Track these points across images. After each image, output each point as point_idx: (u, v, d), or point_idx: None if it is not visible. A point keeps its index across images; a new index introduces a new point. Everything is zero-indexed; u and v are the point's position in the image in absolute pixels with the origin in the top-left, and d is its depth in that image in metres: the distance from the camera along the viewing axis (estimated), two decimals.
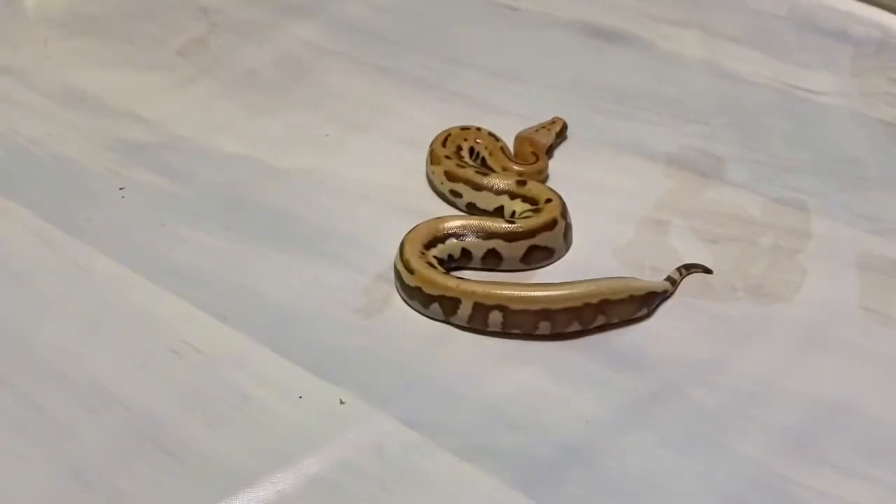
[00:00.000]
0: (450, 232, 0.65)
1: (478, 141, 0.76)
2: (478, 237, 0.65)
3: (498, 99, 0.86)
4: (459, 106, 0.85)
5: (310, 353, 0.59)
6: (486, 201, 0.70)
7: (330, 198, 0.74)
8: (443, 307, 0.61)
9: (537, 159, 0.75)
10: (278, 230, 0.70)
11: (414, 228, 0.65)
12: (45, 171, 0.78)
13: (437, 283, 0.61)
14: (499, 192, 0.70)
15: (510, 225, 0.66)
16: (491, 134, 0.77)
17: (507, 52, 0.94)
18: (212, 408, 0.55)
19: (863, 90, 0.86)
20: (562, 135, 0.79)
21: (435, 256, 0.64)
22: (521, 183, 0.70)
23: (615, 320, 0.61)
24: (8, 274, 0.67)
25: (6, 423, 0.55)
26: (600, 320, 0.60)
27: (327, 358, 0.59)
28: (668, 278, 0.64)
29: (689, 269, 0.65)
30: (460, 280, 0.61)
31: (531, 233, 0.65)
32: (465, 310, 0.60)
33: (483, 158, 0.76)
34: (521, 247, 0.65)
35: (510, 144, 0.77)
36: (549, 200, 0.68)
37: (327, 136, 0.82)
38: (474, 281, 0.61)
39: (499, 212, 0.70)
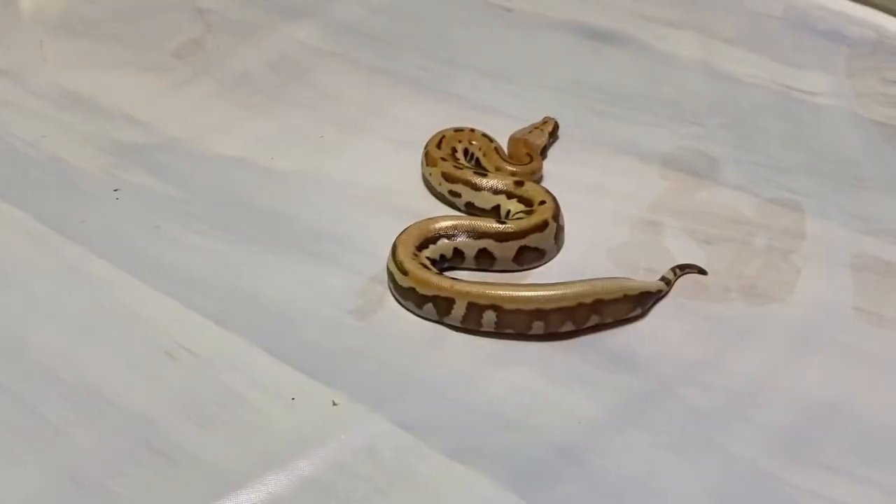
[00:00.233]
0: (441, 232, 0.66)
1: (472, 142, 0.77)
2: (469, 237, 0.66)
3: (493, 100, 0.86)
4: (455, 107, 0.85)
5: (303, 355, 0.59)
6: (484, 201, 0.71)
7: (324, 199, 0.74)
8: (437, 307, 0.61)
9: (531, 160, 0.75)
10: (273, 232, 0.70)
11: (405, 230, 0.65)
12: (39, 172, 0.78)
13: (431, 283, 0.61)
14: (496, 192, 0.70)
15: (501, 225, 0.66)
16: (485, 135, 0.77)
17: (503, 54, 0.94)
18: (205, 409, 0.55)
19: (857, 91, 0.86)
20: (554, 135, 0.79)
21: (428, 257, 0.64)
22: (519, 184, 0.70)
23: (609, 320, 0.61)
24: (1, 276, 0.66)
25: None
26: (594, 320, 0.60)
27: (320, 359, 0.59)
28: (663, 278, 0.64)
29: (683, 269, 0.65)
30: (454, 280, 0.61)
31: (522, 234, 0.65)
32: (458, 310, 0.60)
33: (477, 159, 0.76)
34: (512, 247, 0.65)
35: (504, 145, 0.77)
36: (542, 202, 0.68)
37: (322, 137, 0.82)
38: (468, 281, 0.61)
39: (495, 211, 0.70)
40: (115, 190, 0.75)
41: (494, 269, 0.66)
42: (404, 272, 0.62)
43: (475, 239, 0.66)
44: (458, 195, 0.71)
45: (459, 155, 0.76)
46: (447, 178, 0.72)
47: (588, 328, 0.61)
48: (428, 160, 0.74)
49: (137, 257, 0.68)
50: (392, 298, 0.64)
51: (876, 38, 0.93)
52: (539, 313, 0.59)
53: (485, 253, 0.66)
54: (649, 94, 0.87)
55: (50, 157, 0.80)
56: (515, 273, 0.66)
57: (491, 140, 0.77)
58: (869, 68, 0.90)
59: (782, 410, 0.55)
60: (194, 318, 0.62)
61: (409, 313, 0.62)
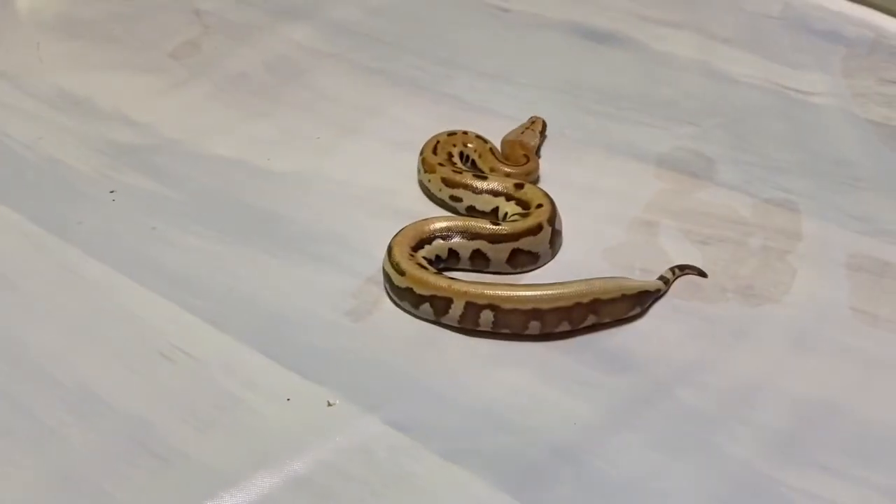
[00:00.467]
0: (436, 233, 0.66)
1: (467, 145, 0.77)
2: (463, 238, 0.66)
3: (490, 100, 0.86)
4: (452, 108, 0.85)
5: (298, 356, 0.59)
6: (484, 203, 0.70)
7: (321, 200, 0.74)
8: (434, 307, 0.61)
9: (528, 160, 0.75)
10: (269, 233, 0.70)
11: (400, 231, 0.65)
12: (36, 174, 0.78)
13: (428, 283, 0.61)
14: (496, 195, 0.70)
15: (494, 227, 0.66)
16: (478, 136, 0.77)
17: (500, 54, 0.94)
18: (200, 411, 0.55)
19: (854, 91, 0.86)
20: (543, 133, 0.79)
21: (424, 258, 0.64)
22: (519, 186, 0.70)
23: (607, 320, 0.61)
24: None
25: None
26: (591, 320, 0.60)
27: (316, 360, 0.59)
28: (662, 277, 0.64)
29: (683, 269, 0.65)
30: (452, 280, 0.61)
31: (515, 236, 0.65)
32: (456, 309, 0.60)
33: (473, 161, 0.76)
34: (505, 249, 0.65)
35: (498, 145, 0.77)
36: (540, 205, 0.68)
37: (319, 138, 0.82)
38: (465, 281, 0.61)
39: (494, 213, 0.70)
40: (112, 191, 0.75)
41: (489, 270, 0.66)
42: (401, 273, 0.62)
43: (469, 240, 0.66)
44: (459, 200, 0.71)
45: (456, 159, 0.75)
46: (447, 183, 0.72)
47: (585, 328, 0.61)
48: (426, 167, 0.74)
49: (133, 259, 0.68)
50: (388, 299, 0.63)
51: (873, 38, 0.93)
52: (536, 313, 0.59)
53: (479, 254, 0.66)
54: (646, 95, 0.87)
55: (46, 158, 0.80)
56: (512, 275, 0.66)
57: (485, 141, 0.77)
58: (866, 68, 0.89)
59: (778, 411, 0.55)
60: (190, 320, 0.62)
61: (404, 314, 0.62)
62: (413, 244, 0.64)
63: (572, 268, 0.66)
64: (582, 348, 0.60)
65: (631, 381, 0.57)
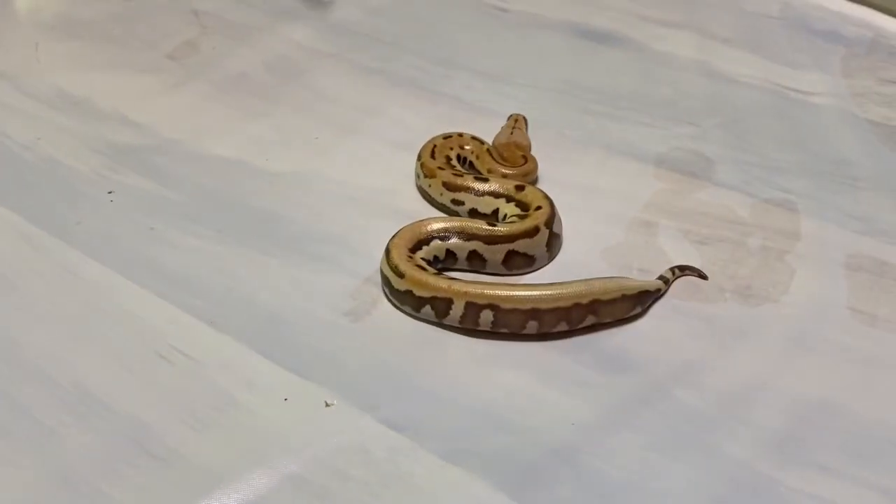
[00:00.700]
0: (433, 234, 0.65)
1: (464, 147, 0.76)
2: (460, 238, 0.65)
3: (489, 100, 0.86)
4: (451, 108, 0.85)
5: (297, 356, 0.59)
6: (486, 205, 0.70)
7: (319, 201, 0.74)
8: (435, 309, 0.60)
9: (526, 161, 0.74)
10: (267, 233, 0.70)
11: (397, 233, 0.65)
12: (34, 174, 0.78)
13: (428, 284, 0.60)
14: (497, 196, 0.70)
15: (490, 228, 0.65)
16: (475, 137, 0.77)
17: (499, 54, 0.94)
18: (198, 411, 0.55)
19: (854, 91, 0.86)
20: (527, 129, 0.79)
21: (422, 258, 0.64)
22: (520, 188, 0.70)
23: (607, 320, 0.61)
24: None
25: None
26: (590, 320, 0.60)
27: (314, 360, 0.59)
28: (661, 277, 0.63)
29: (683, 270, 0.65)
30: (451, 280, 0.61)
31: (510, 238, 0.65)
32: (457, 310, 0.60)
33: (470, 163, 0.76)
34: (501, 251, 0.65)
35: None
36: (538, 208, 0.67)
37: (318, 138, 0.82)
38: (465, 281, 0.61)
39: (495, 214, 0.70)
40: (110, 192, 0.75)
41: (486, 271, 0.66)
42: (400, 275, 0.62)
43: (465, 241, 0.65)
44: (461, 203, 0.71)
45: (454, 162, 0.75)
46: (449, 187, 0.71)
47: (583, 328, 0.60)
48: (425, 172, 0.73)
49: (132, 259, 0.67)
50: (386, 300, 0.63)
51: (872, 38, 0.93)
52: (535, 313, 0.59)
53: (475, 255, 0.66)
54: (645, 95, 0.87)
55: (45, 158, 0.80)
56: (508, 276, 0.66)
57: (482, 142, 0.76)
58: (865, 68, 0.89)
59: (777, 411, 0.55)
60: (188, 320, 0.62)
61: (402, 315, 0.62)
62: (411, 246, 0.64)
63: (571, 268, 0.66)
64: (581, 349, 0.60)
65: (629, 382, 0.57)
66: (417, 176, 0.74)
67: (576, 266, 0.66)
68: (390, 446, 0.53)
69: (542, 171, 0.75)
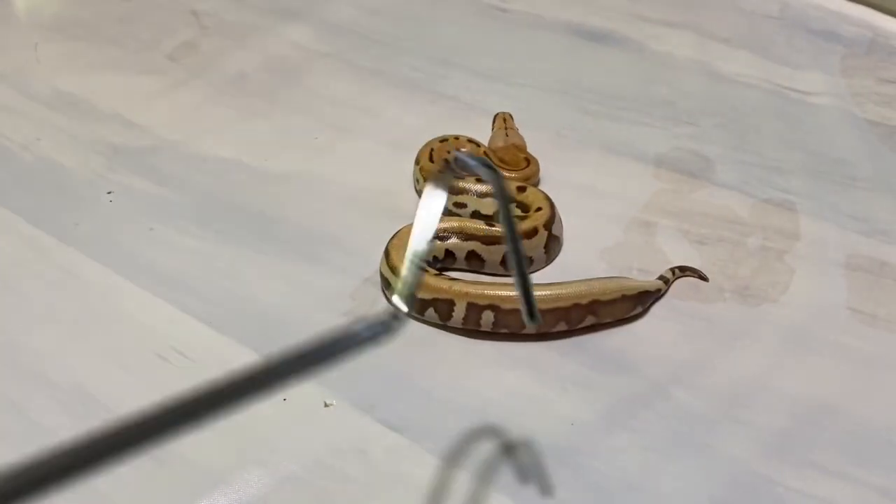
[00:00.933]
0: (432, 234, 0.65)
1: (461, 150, 0.76)
2: (458, 238, 0.65)
3: (488, 100, 0.86)
4: (449, 108, 0.85)
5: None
6: (488, 207, 0.70)
7: (318, 201, 0.74)
8: (438, 311, 0.60)
9: (528, 163, 0.74)
10: (266, 234, 0.70)
11: (396, 234, 0.65)
12: (33, 175, 0.78)
13: (429, 286, 0.60)
14: None
15: (489, 228, 0.65)
16: (471, 140, 0.76)
17: (497, 54, 0.94)
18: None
19: (853, 90, 0.86)
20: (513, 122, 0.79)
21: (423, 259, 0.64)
22: (521, 189, 0.70)
23: (607, 320, 0.61)
24: None
25: None
26: (589, 320, 0.60)
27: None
28: (662, 277, 0.63)
29: (683, 271, 0.65)
30: (452, 281, 0.61)
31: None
32: (459, 311, 0.60)
33: None
34: (499, 251, 0.65)
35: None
36: (539, 209, 0.67)
37: (316, 139, 0.82)
38: (465, 281, 0.61)
39: (496, 215, 0.70)
40: (109, 192, 0.75)
41: (485, 271, 0.66)
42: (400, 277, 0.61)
43: (464, 241, 0.65)
44: (463, 206, 0.71)
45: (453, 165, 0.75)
46: (451, 190, 0.71)
47: (582, 329, 0.60)
48: (426, 176, 0.72)
49: (130, 260, 0.67)
50: (385, 301, 0.63)
51: (872, 38, 0.93)
52: None
53: (474, 255, 0.65)
54: (644, 95, 0.87)
55: (43, 159, 0.80)
56: (508, 276, 0.66)
57: (478, 145, 0.76)
58: (864, 68, 0.89)
59: (775, 411, 0.55)
60: (187, 321, 0.62)
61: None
62: None
63: (569, 268, 0.66)
64: (579, 349, 0.60)
65: (628, 382, 0.57)
66: (417, 181, 0.74)
67: (575, 266, 0.66)
68: (389, 447, 0.53)
69: (541, 171, 0.75)
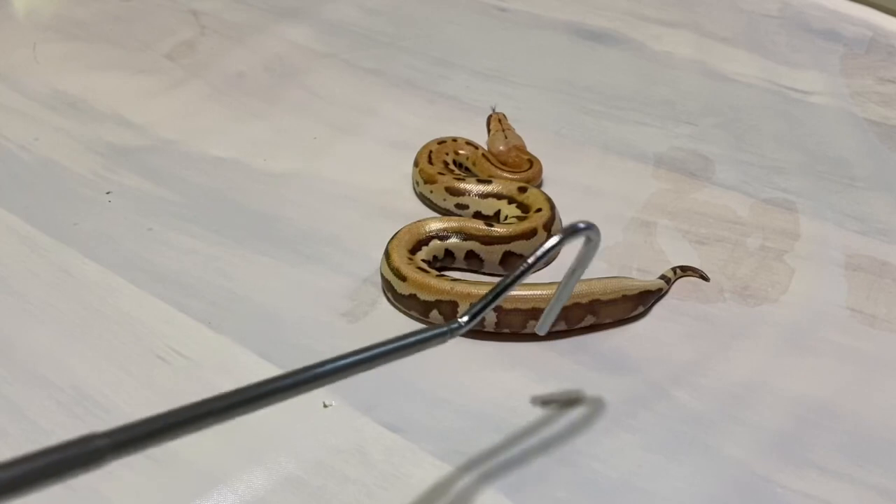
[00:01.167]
0: (432, 234, 0.65)
1: (459, 152, 0.76)
2: (457, 238, 0.65)
3: (487, 100, 0.85)
4: (448, 108, 0.85)
5: (295, 357, 0.59)
6: (488, 207, 0.70)
7: (317, 201, 0.74)
8: (443, 313, 0.60)
9: (531, 165, 0.74)
10: (265, 234, 0.70)
11: (396, 235, 0.65)
12: (31, 175, 0.78)
13: (432, 287, 0.60)
14: (500, 198, 0.70)
15: (488, 228, 0.65)
16: (469, 142, 0.76)
17: (497, 54, 0.94)
18: None
19: (853, 90, 0.86)
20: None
21: (423, 260, 0.64)
22: (522, 189, 0.70)
23: (608, 320, 0.60)
24: None
25: None
26: (589, 320, 0.60)
27: (312, 361, 0.58)
28: (663, 277, 0.63)
29: (685, 270, 0.65)
30: (454, 282, 0.60)
31: (507, 238, 0.65)
32: (463, 312, 0.59)
33: (466, 169, 0.76)
34: (498, 251, 0.65)
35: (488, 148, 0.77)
36: (539, 210, 0.67)
37: (315, 139, 0.82)
38: (467, 282, 0.61)
39: (497, 216, 0.70)
40: (108, 192, 0.75)
41: (484, 271, 0.66)
42: (402, 278, 0.61)
43: (463, 240, 0.65)
44: (465, 207, 0.71)
45: (452, 167, 0.75)
46: (452, 192, 0.71)
47: (582, 329, 0.60)
48: (426, 178, 0.72)
49: (129, 260, 0.67)
50: (385, 301, 0.63)
51: (871, 37, 0.93)
52: (535, 313, 0.59)
53: (472, 255, 0.65)
54: (643, 94, 0.87)
55: (42, 159, 0.79)
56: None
57: (476, 147, 0.76)
58: (864, 67, 0.89)
59: (775, 411, 0.55)
60: (186, 321, 0.62)
61: (401, 316, 0.62)
62: (410, 247, 0.64)
63: (568, 267, 0.66)
64: (578, 349, 0.59)
65: (627, 382, 0.57)
66: (417, 183, 0.74)
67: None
68: (388, 447, 0.53)
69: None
